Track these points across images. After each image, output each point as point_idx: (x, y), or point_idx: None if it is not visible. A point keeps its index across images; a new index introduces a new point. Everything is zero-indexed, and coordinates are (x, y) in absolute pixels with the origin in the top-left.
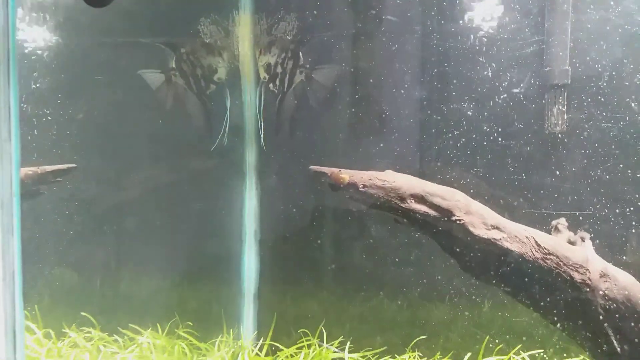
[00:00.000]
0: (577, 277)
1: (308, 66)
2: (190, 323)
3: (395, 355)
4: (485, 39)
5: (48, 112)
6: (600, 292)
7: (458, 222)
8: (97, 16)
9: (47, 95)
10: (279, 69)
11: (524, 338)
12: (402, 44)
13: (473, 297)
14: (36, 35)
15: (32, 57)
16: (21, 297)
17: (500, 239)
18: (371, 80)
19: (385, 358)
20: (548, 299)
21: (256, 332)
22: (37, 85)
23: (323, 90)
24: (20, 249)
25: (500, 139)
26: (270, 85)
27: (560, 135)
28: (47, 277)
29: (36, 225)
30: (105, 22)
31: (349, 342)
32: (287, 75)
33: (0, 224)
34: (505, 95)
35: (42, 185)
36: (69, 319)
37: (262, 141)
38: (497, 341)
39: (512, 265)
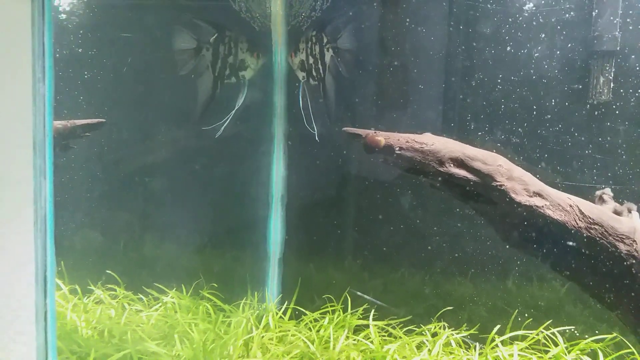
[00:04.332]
0: (623, 248)
1: (331, 40)
2: (214, 285)
3: (421, 325)
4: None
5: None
6: None
7: (499, 187)
8: None
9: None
10: (311, 60)
11: (551, 314)
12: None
13: (499, 272)
14: None
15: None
16: (52, 242)
17: (543, 207)
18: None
19: (410, 327)
20: (590, 270)
21: (280, 296)
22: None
23: (351, 55)
24: (52, 193)
25: (539, 108)
26: (310, 80)
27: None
28: (74, 234)
29: (64, 183)
30: None
31: (373, 311)
32: (319, 60)
33: (33, 167)
34: (545, 61)
35: (71, 139)
36: (94, 277)
37: (316, 136)
38: (526, 315)
39: (554, 234)
